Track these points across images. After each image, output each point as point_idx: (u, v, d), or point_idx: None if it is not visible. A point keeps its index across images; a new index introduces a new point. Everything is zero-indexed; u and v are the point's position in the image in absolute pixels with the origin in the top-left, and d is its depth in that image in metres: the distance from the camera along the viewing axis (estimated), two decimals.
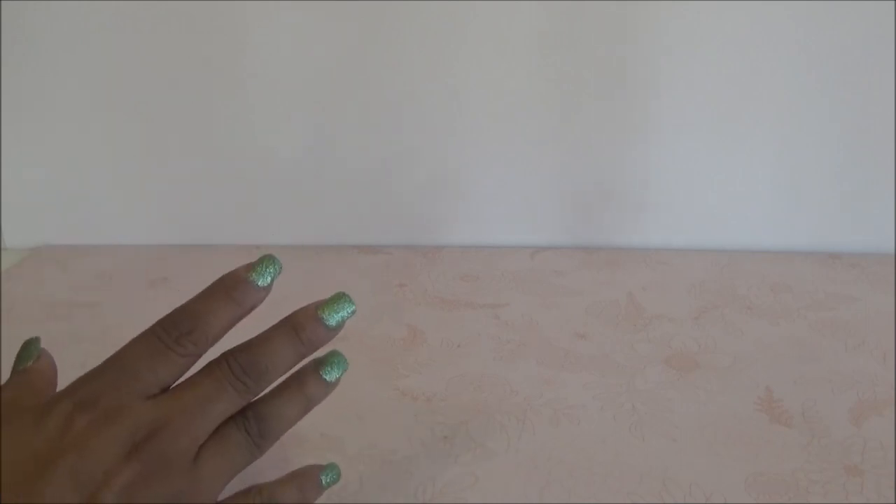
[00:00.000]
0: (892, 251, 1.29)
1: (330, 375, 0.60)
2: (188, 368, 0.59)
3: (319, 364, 0.64)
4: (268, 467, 0.77)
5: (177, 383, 0.58)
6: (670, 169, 1.29)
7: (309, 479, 0.60)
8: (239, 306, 0.60)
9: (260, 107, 1.29)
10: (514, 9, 1.19)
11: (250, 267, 0.58)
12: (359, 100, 1.27)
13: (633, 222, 1.34)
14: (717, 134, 1.27)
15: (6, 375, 0.84)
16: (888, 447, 0.77)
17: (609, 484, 0.72)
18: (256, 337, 0.61)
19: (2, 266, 1.31)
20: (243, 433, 0.59)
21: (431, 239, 1.37)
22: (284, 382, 0.63)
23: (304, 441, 0.80)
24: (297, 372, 0.63)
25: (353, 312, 0.59)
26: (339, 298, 0.59)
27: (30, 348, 0.63)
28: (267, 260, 0.59)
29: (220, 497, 0.60)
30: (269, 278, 0.59)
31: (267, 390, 0.61)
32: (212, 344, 0.60)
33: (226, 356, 0.59)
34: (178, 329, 0.58)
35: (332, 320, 0.58)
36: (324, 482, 0.60)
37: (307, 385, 0.62)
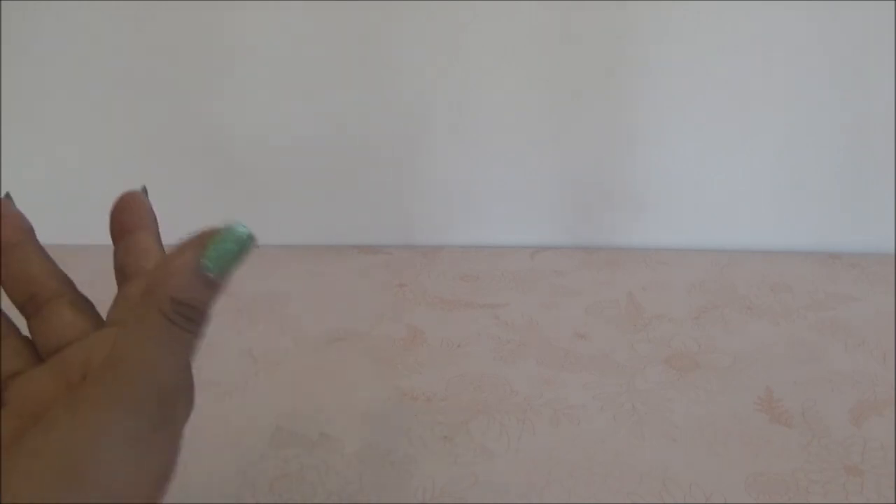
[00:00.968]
0: (892, 251, 1.29)
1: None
2: None
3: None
4: (269, 467, 0.77)
5: None
6: (670, 169, 1.29)
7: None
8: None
9: (260, 107, 1.29)
10: (514, 9, 1.19)
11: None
12: (359, 100, 1.27)
13: (632, 222, 1.34)
14: (717, 134, 1.27)
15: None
16: (888, 447, 0.77)
17: (609, 484, 0.72)
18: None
19: None
20: None
21: (431, 239, 1.37)
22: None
23: (304, 441, 0.80)
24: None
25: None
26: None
27: None
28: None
29: None
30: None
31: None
32: None
33: None
34: None
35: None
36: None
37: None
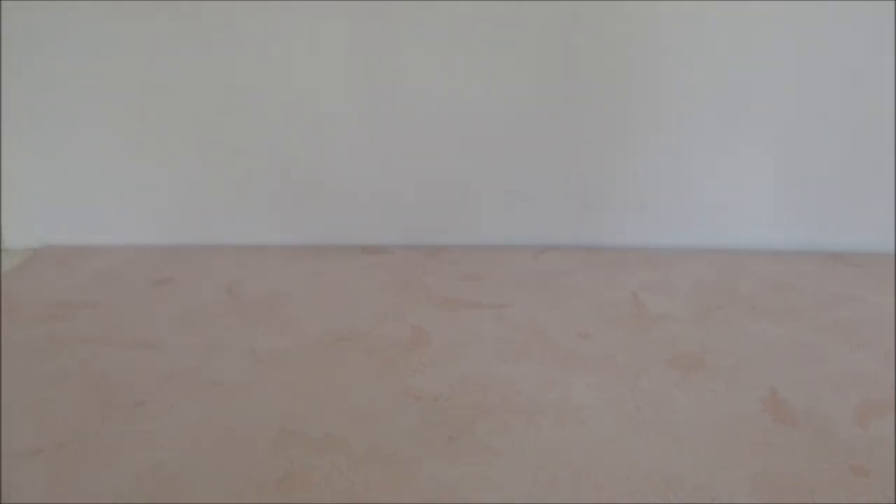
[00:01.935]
0: (894, 251, 1.29)
1: None
2: None
3: None
4: (274, 467, 0.77)
5: None
6: (673, 170, 1.29)
7: None
8: None
9: (260, 108, 1.28)
10: (515, 10, 1.19)
11: None
12: (361, 100, 1.27)
13: (635, 223, 1.34)
14: (719, 135, 1.27)
15: (6, 376, 0.84)
16: (893, 447, 0.77)
17: (614, 484, 0.72)
18: None
19: (3, 266, 1.31)
20: None
21: (434, 239, 1.37)
22: None
23: (308, 441, 0.80)
24: None
25: None
26: None
27: None
28: None
29: None
30: None
31: None
32: None
33: None
34: None
35: None
36: None
37: None
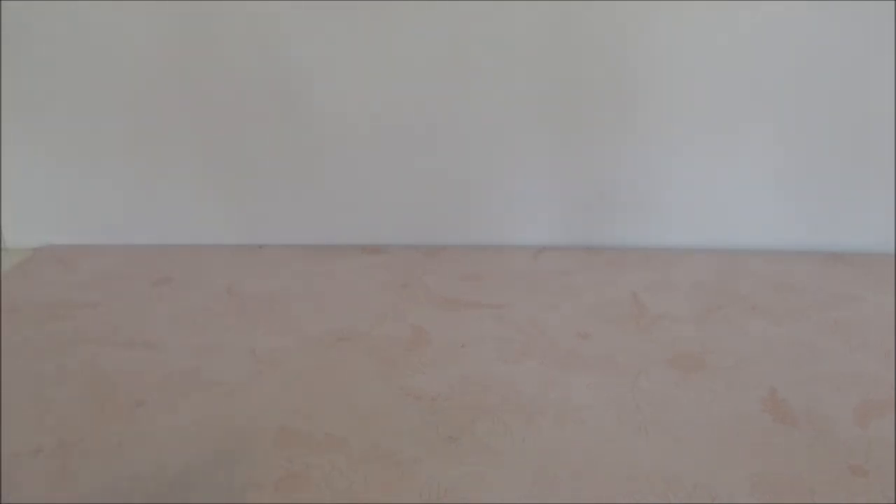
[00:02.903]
0: (893, 251, 1.29)
1: None
2: None
3: None
4: (274, 467, 0.77)
5: None
6: (673, 169, 1.29)
7: None
8: None
9: (259, 108, 1.28)
10: (516, 10, 1.19)
11: None
12: (361, 100, 1.27)
13: (635, 222, 1.34)
14: (719, 135, 1.27)
15: (6, 376, 0.84)
16: (893, 447, 0.77)
17: (614, 484, 0.72)
18: None
19: (3, 266, 1.31)
20: None
21: (434, 239, 1.37)
22: None
23: (308, 441, 0.80)
24: None
25: None
26: None
27: None
28: None
29: None
30: None
31: None
32: None
33: None
34: None
35: None
36: None
37: None
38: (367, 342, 1.00)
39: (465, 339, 1.01)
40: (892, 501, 0.69)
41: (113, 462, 0.77)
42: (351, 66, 1.25)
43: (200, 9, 1.21)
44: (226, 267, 1.28)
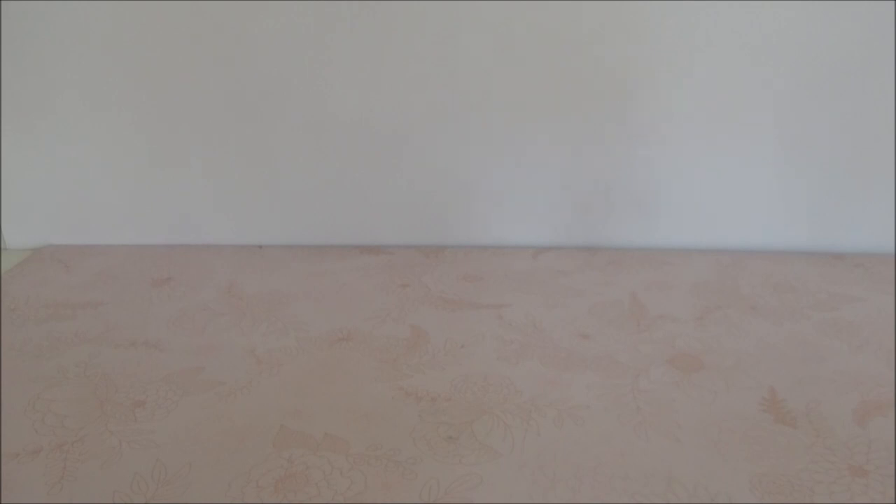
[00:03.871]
0: (893, 251, 1.29)
1: None
2: None
3: None
4: (274, 467, 0.77)
5: None
6: (672, 170, 1.29)
7: None
8: None
9: (259, 108, 1.28)
10: (518, 12, 1.19)
11: None
12: (361, 100, 1.27)
13: (635, 223, 1.34)
14: (719, 135, 1.27)
15: (7, 375, 0.84)
16: (893, 447, 0.77)
17: (614, 484, 0.72)
18: None
19: (3, 266, 1.31)
20: None
21: (434, 239, 1.37)
22: None
23: (308, 441, 0.80)
24: None
25: None
26: None
27: None
28: None
29: None
30: None
31: None
32: None
33: None
34: None
35: None
36: None
37: None
38: (367, 342, 1.00)
39: (465, 339, 1.01)
40: (892, 501, 0.69)
41: (113, 462, 0.77)
42: (351, 66, 1.25)
43: (201, 9, 1.21)
44: (226, 267, 1.28)
